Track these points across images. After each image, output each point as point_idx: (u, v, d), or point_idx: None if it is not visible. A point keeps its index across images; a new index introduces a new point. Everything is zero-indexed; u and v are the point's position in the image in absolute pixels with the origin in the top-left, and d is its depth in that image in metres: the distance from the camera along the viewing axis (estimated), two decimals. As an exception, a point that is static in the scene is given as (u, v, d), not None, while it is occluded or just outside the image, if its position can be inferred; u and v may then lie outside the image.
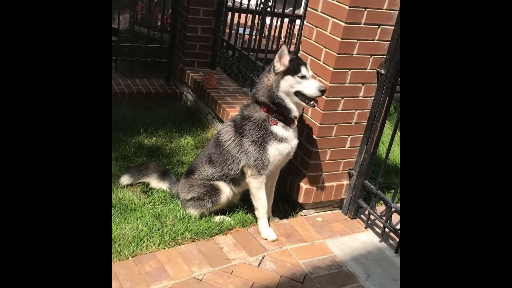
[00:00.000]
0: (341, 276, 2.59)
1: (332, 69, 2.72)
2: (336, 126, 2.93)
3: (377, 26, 2.70)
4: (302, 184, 3.03)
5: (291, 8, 5.90)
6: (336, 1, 2.63)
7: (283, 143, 2.69)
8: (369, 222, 3.07)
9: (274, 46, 5.23)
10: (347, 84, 2.81)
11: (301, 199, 3.05)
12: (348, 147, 3.05)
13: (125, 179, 3.11)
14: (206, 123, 4.26)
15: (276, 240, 2.80)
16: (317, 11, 2.79)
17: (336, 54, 2.68)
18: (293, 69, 2.60)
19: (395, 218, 2.87)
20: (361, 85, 2.86)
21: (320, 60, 2.80)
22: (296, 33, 5.40)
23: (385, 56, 2.81)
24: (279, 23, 4.48)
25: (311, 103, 2.63)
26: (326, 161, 3.02)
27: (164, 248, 2.59)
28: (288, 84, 2.61)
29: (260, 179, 2.74)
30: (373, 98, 2.92)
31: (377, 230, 3.04)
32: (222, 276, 2.44)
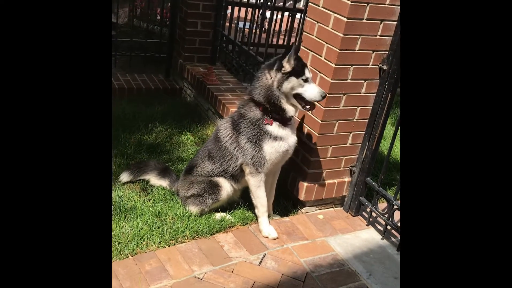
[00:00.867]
0: (343, 275, 2.58)
1: (334, 65, 2.68)
2: (338, 123, 2.90)
3: (379, 22, 2.66)
4: (303, 181, 3.00)
5: (292, 2, 5.85)
6: (338, -4, 2.59)
7: (278, 142, 2.66)
8: (371, 219, 3.05)
9: (275, 41, 5.18)
10: (349, 80, 2.77)
11: (302, 197, 3.02)
12: (350, 144, 3.02)
13: (124, 177, 3.09)
14: (206, 119, 4.22)
15: (277, 238, 2.77)
16: (318, 6, 2.75)
17: (338, 50, 2.64)
18: (298, 70, 2.56)
19: (397, 215, 2.85)
20: (363, 81, 2.82)
21: (321, 56, 2.76)
22: (297, 27, 5.36)
23: (387, 52, 2.77)
24: (279, 17, 4.43)
25: (307, 107, 2.60)
26: (328, 158, 2.99)
27: (164, 247, 2.57)
28: (291, 85, 2.57)
29: (258, 177, 2.72)
30: (375, 94, 2.89)
31: (379, 227, 3.02)
32: (223, 275, 2.42)
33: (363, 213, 3.15)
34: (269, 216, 2.87)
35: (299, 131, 2.95)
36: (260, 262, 2.57)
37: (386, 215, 2.89)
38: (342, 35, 2.60)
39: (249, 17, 4.40)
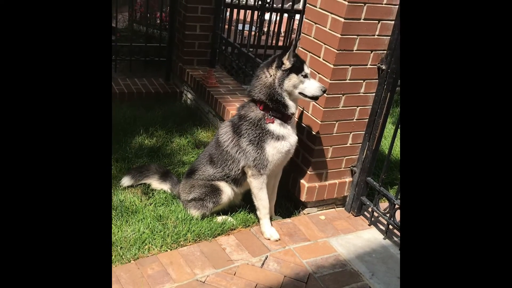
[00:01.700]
0: (345, 275, 2.57)
1: (332, 66, 2.68)
2: (338, 123, 2.89)
3: (377, 21, 2.66)
4: (304, 182, 3.00)
5: (290, 3, 5.85)
6: (335, -4, 2.59)
7: (280, 141, 2.66)
8: (372, 219, 3.04)
9: (274, 42, 5.18)
10: (347, 81, 2.77)
11: (303, 198, 3.02)
12: (350, 144, 3.02)
13: (126, 181, 3.09)
14: (207, 122, 4.23)
15: (279, 239, 2.77)
16: (316, 7, 2.75)
17: (336, 51, 2.64)
18: (297, 67, 2.57)
19: (399, 214, 2.84)
20: (362, 81, 2.82)
21: (320, 57, 2.76)
22: (296, 28, 5.36)
23: (385, 51, 2.77)
24: (278, 18, 4.43)
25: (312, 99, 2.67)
26: (328, 159, 2.99)
27: (166, 250, 2.57)
28: (292, 82, 2.58)
29: (261, 179, 2.72)
30: (374, 94, 2.88)
31: (381, 227, 3.02)
32: (225, 278, 2.42)
33: (365, 213, 3.14)
34: (271, 218, 2.87)
35: (299, 132, 2.95)
36: (262, 264, 2.57)
37: (388, 215, 2.88)
38: (340, 36, 2.60)
39: (248, 19, 4.40)
